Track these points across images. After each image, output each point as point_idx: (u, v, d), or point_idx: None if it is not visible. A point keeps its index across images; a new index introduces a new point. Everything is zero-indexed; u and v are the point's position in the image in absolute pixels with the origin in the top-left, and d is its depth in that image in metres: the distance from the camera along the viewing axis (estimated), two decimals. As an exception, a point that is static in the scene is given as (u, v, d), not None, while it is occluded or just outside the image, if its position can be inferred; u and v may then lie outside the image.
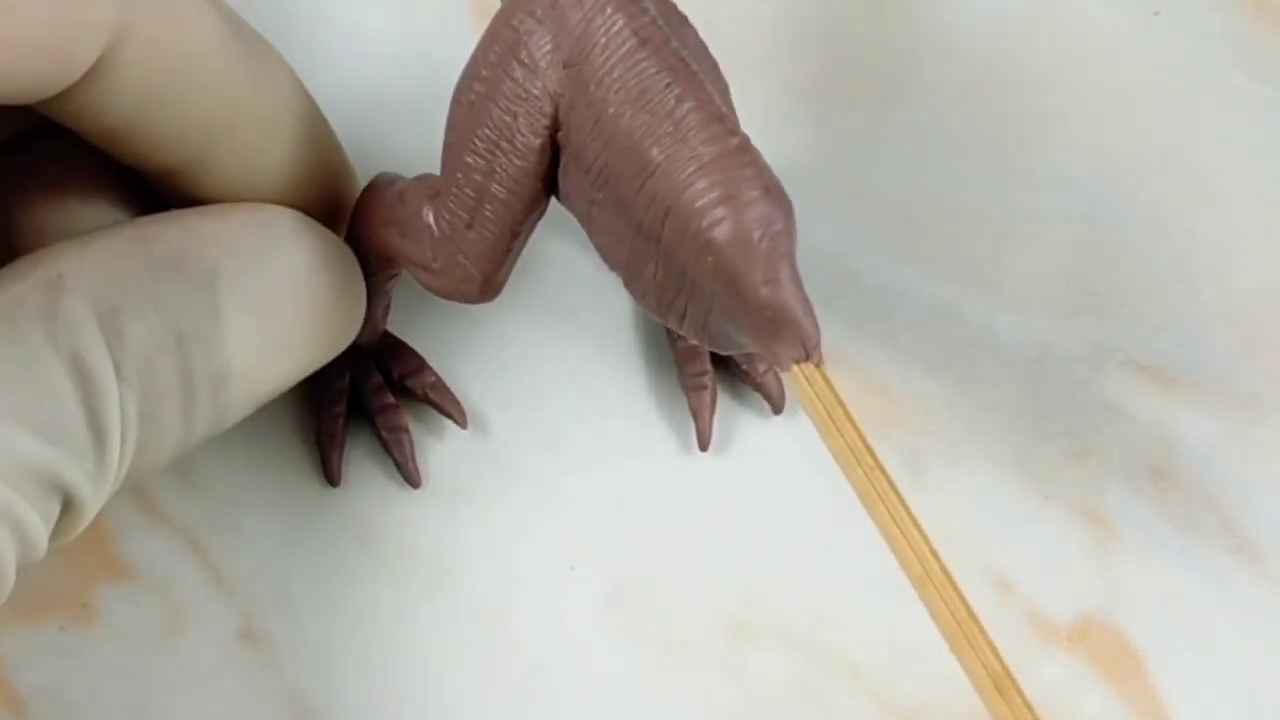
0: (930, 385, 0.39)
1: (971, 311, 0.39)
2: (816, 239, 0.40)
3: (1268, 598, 0.36)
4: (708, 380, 0.38)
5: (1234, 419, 0.38)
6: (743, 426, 0.38)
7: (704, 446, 0.38)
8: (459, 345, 0.39)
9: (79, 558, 0.36)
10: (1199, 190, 0.41)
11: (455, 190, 0.33)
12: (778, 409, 0.38)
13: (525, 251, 0.33)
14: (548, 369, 0.39)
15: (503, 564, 0.36)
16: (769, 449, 0.38)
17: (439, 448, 0.38)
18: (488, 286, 0.34)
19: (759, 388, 0.38)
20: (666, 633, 0.36)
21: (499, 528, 0.37)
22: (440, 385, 0.38)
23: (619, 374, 0.39)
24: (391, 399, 0.38)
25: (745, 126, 0.30)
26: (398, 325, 0.39)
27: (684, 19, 0.33)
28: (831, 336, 0.39)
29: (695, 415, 0.38)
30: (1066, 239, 0.40)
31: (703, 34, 0.34)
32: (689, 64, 0.31)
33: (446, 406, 0.38)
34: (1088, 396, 0.39)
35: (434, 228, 0.33)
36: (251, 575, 0.36)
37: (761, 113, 0.41)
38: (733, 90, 0.34)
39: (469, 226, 0.33)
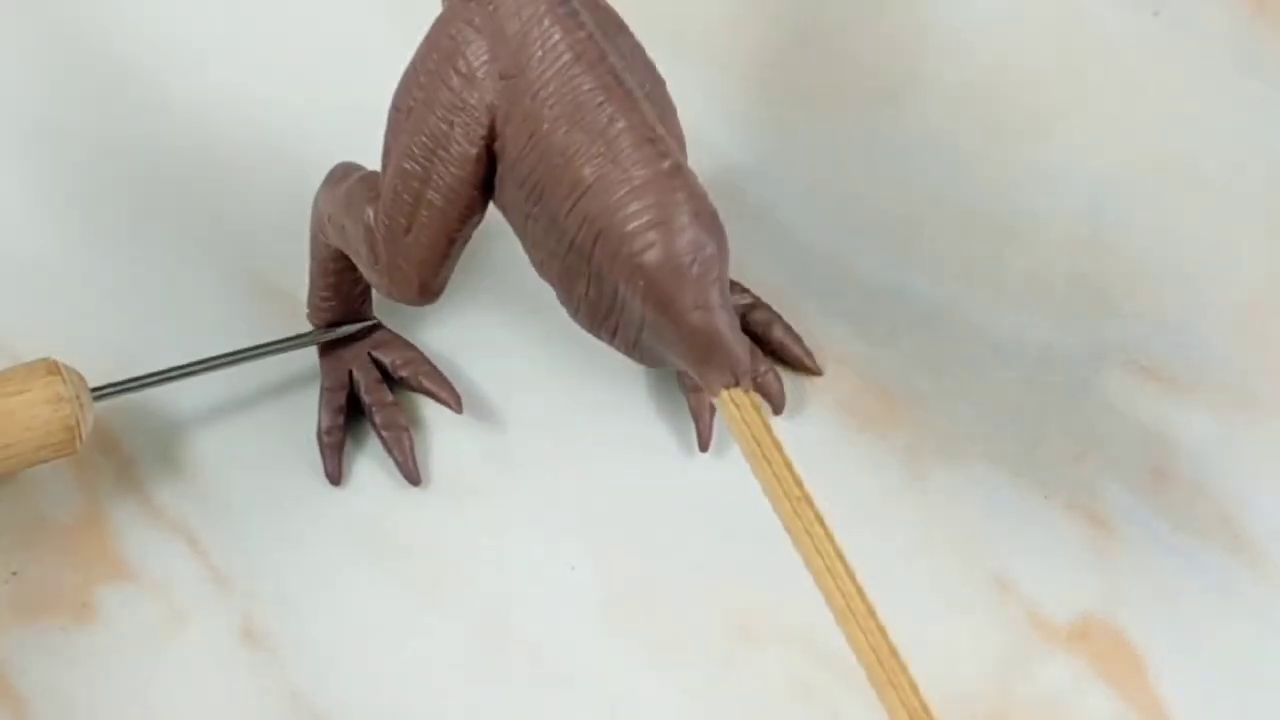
0: (930, 385, 0.38)
1: (971, 311, 0.39)
2: (817, 239, 0.40)
3: (1268, 598, 0.36)
4: (708, 381, 0.38)
5: (1234, 419, 0.38)
6: (743, 426, 0.38)
7: (704, 447, 0.38)
8: (460, 346, 0.39)
9: (79, 558, 0.36)
10: (1199, 190, 0.41)
11: (393, 196, 0.33)
12: (778, 409, 0.38)
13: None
14: (548, 370, 0.39)
15: (503, 564, 0.36)
16: (769, 449, 0.38)
17: (439, 448, 0.38)
18: (426, 290, 0.34)
19: (759, 388, 0.38)
20: (666, 633, 0.36)
21: (499, 527, 0.37)
22: (434, 372, 0.38)
23: (620, 375, 0.39)
24: (391, 396, 0.38)
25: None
26: (398, 325, 0.39)
27: (621, 25, 0.33)
28: (831, 336, 0.39)
29: (695, 415, 0.38)
30: (1066, 239, 0.40)
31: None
32: (624, 81, 0.31)
33: (440, 392, 0.38)
34: (1088, 396, 0.38)
35: (375, 230, 0.34)
36: (251, 575, 0.36)
37: (762, 113, 0.41)
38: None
39: (407, 231, 0.33)
